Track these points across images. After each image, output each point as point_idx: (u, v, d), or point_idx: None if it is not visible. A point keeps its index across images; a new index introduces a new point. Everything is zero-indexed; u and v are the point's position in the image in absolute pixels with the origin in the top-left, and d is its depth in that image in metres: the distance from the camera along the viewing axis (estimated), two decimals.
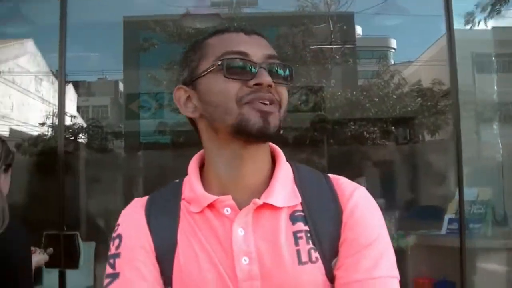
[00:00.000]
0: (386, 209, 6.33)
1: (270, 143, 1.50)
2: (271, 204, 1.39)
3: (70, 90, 8.28)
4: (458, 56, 4.61)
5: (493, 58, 7.03)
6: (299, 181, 1.47)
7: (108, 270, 1.41)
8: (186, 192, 1.46)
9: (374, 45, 11.20)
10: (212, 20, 6.89)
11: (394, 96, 8.66)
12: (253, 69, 1.35)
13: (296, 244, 1.37)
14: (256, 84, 1.34)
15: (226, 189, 1.42)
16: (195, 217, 1.42)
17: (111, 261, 1.42)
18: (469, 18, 7.09)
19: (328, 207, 1.42)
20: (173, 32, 7.49)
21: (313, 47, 8.17)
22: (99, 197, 6.35)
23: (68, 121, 7.66)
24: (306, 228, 1.39)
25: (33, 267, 2.81)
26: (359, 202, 1.44)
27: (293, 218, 1.40)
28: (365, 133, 8.07)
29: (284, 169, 1.47)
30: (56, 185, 4.25)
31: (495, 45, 6.82)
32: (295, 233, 1.38)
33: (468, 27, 7.09)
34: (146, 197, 1.52)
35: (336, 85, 8.29)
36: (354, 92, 8.38)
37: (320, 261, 1.37)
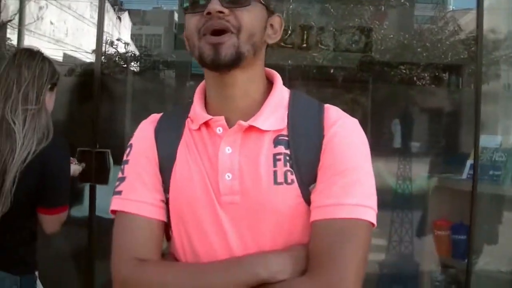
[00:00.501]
0: (418, 153, 6.49)
1: (269, 70, 1.63)
2: (257, 127, 1.51)
3: (125, 18, 8.46)
4: None
5: None
6: (292, 108, 1.56)
7: (119, 174, 1.61)
8: (191, 111, 1.61)
9: None
10: None
11: (448, 43, 8.58)
12: (207, 2, 1.45)
13: (274, 165, 1.47)
14: (208, 14, 1.45)
15: (221, 111, 1.54)
16: (194, 133, 1.57)
17: (122, 166, 1.62)
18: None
19: (312, 133, 1.50)
20: None
21: None
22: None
23: (121, 48, 7.87)
24: (287, 151, 1.48)
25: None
26: (340, 130, 1.50)
27: (276, 141, 1.50)
28: (414, 78, 8.08)
29: (277, 95, 1.57)
30: (93, 106, 4.45)
31: None
32: (274, 155, 1.48)
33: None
34: (160, 114, 1.69)
35: (389, 27, 8.23)
36: (407, 35, 8.36)
37: (296, 184, 1.46)
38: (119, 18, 8.45)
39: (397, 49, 8.21)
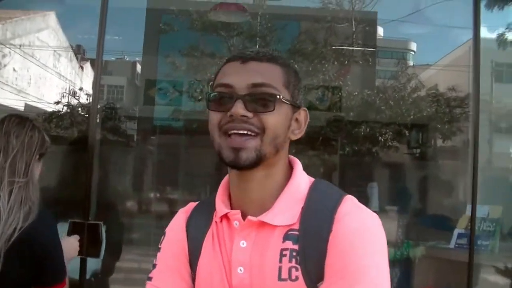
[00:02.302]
0: (394, 214, 6.49)
1: (292, 157, 1.62)
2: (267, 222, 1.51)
3: (87, 68, 8.47)
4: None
5: None
6: (308, 201, 1.52)
7: (154, 260, 1.67)
8: (216, 202, 1.63)
9: (394, 47, 11.31)
10: (237, 15, 7.04)
11: (410, 100, 8.83)
12: (230, 101, 1.45)
13: (280, 261, 1.45)
14: (231, 115, 1.45)
15: (239, 203, 1.56)
16: (218, 225, 1.59)
17: (157, 253, 1.67)
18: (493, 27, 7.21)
19: (322, 227, 1.46)
20: (195, 19, 7.66)
21: (335, 47, 8.31)
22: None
23: (84, 99, 7.86)
24: (295, 247, 1.46)
25: (70, 251, 3.02)
26: (346, 226, 1.44)
27: (286, 236, 1.48)
28: (377, 135, 8.25)
29: (294, 188, 1.55)
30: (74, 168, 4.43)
31: None
32: (281, 251, 1.46)
33: (491, 36, 7.17)
34: (197, 203, 1.72)
35: (353, 84, 8.42)
36: (369, 92, 8.56)
37: (301, 280, 1.43)
38: (82, 68, 8.46)
39: (361, 107, 8.38)
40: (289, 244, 1.47)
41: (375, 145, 8.11)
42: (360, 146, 8.05)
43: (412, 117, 8.46)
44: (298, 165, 1.60)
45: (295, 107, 1.54)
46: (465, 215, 4.93)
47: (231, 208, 1.58)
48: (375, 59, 8.88)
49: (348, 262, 1.39)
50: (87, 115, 7.74)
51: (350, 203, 1.50)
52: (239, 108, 1.43)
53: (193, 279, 1.60)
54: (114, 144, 7.18)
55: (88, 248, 3.92)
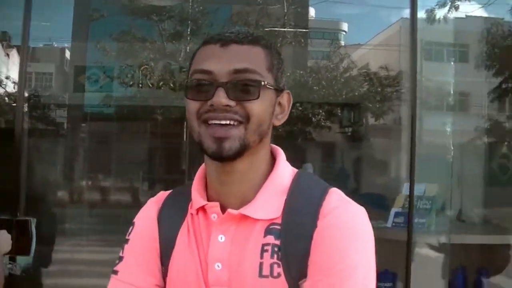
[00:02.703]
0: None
1: (274, 147, 1.54)
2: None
3: (14, 55, 8.26)
4: (406, 44, 4.76)
5: (445, 47, 7.32)
6: (291, 194, 1.45)
7: (120, 252, 1.56)
8: (192, 194, 1.53)
9: (326, 27, 11.41)
10: None
11: (342, 80, 8.95)
12: (210, 89, 1.36)
13: (261, 257, 1.38)
14: (212, 105, 1.36)
15: (219, 195, 1.47)
16: (194, 217, 1.49)
17: (123, 245, 1.56)
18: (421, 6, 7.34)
19: (305, 222, 1.39)
20: (126, 3, 7.58)
21: (267, 28, 8.33)
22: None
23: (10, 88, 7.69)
24: (277, 242, 1.39)
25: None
26: (332, 222, 1.38)
27: (267, 231, 1.41)
28: (310, 116, 8.36)
29: (276, 180, 1.47)
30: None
31: (454, 35, 7.09)
32: (263, 246, 1.39)
33: (420, 15, 7.29)
34: (168, 192, 1.62)
35: (285, 65, 8.47)
36: (302, 73, 8.65)
37: (283, 277, 1.37)
38: (8, 55, 8.25)
39: (294, 88, 8.45)
40: (270, 239, 1.40)
41: (308, 125, 8.20)
42: (293, 127, 8.12)
43: (344, 96, 8.58)
44: (281, 155, 1.53)
45: (279, 91, 1.46)
46: (401, 194, 4.98)
47: (208, 200, 1.49)
48: (307, 40, 8.95)
49: (335, 260, 1.34)
50: (14, 104, 7.60)
51: (335, 197, 1.44)
52: (221, 97, 1.35)
53: (164, 275, 1.51)
54: (43, 133, 7.08)
55: (17, 246, 3.82)
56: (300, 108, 8.30)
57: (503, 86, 8.20)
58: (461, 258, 4.96)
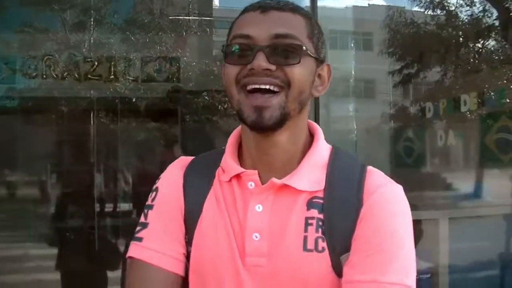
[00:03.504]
0: None
1: (311, 122, 1.54)
2: (291, 186, 1.42)
3: None
4: None
5: (349, 35, 7.47)
6: (331, 168, 1.45)
7: (141, 218, 1.53)
8: (223, 160, 1.51)
9: (230, 17, 11.50)
10: None
11: None
12: (250, 53, 1.35)
13: (305, 230, 1.38)
14: (252, 69, 1.35)
15: (255, 164, 1.46)
16: (224, 185, 1.48)
17: (145, 210, 1.53)
18: None
19: (350, 198, 1.40)
20: None
21: (171, 17, 8.38)
22: None
23: None
24: (320, 216, 1.39)
25: None
26: (380, 200, 1.39)
27: (310, 204, 1.40)
28: (217, 104, 8.46)
29: (317, 153, 1.47)
30: None
31: (355, 24, 7.27)
32: (306, 219, 1.39)
33: (324, 3, 7.48)
34: (191, 158, 1.60)
35: (191, 54, 8.55)
36: (207, 62, 8.72)
37: (327, 252, 1.37)
38: None
39: (200, 77, 8.53)
40: (314, 213, 1.40)
41: (215, 114, 8.30)
42: (201, 115, 8.21)
43: None
44: (319, 131, 1.53)
45: (319, 61, 1.46)
46: None
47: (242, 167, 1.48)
48: (212, 29, 9.04)
49: (385, 236, 1.35)
50: None
51: (377, 175, 1.47)
52: (261, 61, 1.33)
53: (188, 243, 1.49)
54: None
55: None
56: (206, 97, 8.40)
57: (405, 72, 8.59)
58: None
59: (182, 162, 1.59)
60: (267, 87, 1.35)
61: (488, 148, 5.87)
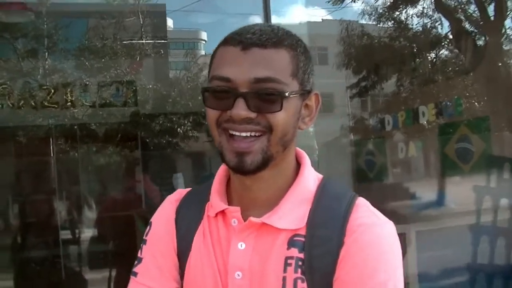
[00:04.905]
0: None
1: (298, 150, 1.51)
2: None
3: None
4: None
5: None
6: (316, 203, 1.42)
7: (139, 253, 1.55)
8: (211, 196, 1.50)
9: (186, 37, 11.59)
10: (20, 15, 6.90)
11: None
12: (230, 98, 1.30)
13: (284, 270, 1.35)
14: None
15: (240, 200, 1.45)
16: (211, 220, 1.47)
17: (142, 245, 1.55)
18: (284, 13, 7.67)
19: (332, 236, 1.36)
20: None
21: (125, 41, 8.42)
22: None
23: None
24: (300, 255, 1.35)
25: None
26: (360, 239, 1.34)
27: (291, 242, 1.37)
28: (176, 127, 8.51)
29: (301, 188, 1.44)
30: None
31: (310, 39, 7.42)
32: (286, 259, 1.36)
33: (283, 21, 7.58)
34: (187, 190, 1.60)
35: (147, 78, 8.58)
36: (163, 84, 8.78)
37: None
38: None
39: (157, 100, 8.56)
40: (294, 252, 1.36)
41: (175, 136, 8.34)
42: (160, 138, 8.24)
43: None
44: (306, 160, 1.49)
45: (306, 92, 1.41)
46: None
47: (228, 203, 1.47)
48: (167, 51, 9.08)
49: (363, 279, 1.31)
50: None
51: (362, 211, 1.41)
52: (240, 110, 1.29)
53: (181, 276, 1.49)
54: None
55: None
56: (164, 121, 8.44)
57: (362, 84, 8.75)
58: None
59: (177, 196, 1.60)
60: (248, 134, 1.32)
61: (449, 158, 5.97)
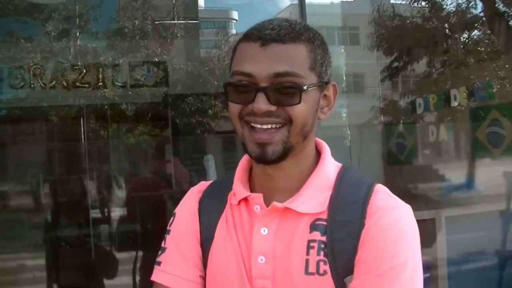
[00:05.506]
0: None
1: (318, 141, 1.56)
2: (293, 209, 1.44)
3: None
4: None
5: (335, 31, 7.42)
6: (336, 188, 1.46)
7: (162, 243, 1.60)
8: (233, 184, 1.55)
9: (217, 17, 11.59)
10: None
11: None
12: (251, 93, 1.36)
13: (307, 253, 1.39)
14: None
15: (262, 187, 1.50)
16: (234, 208, 1.52)
17: (165, 235, 1.60)
18: None
19: (352, 219, 1.40)
20: (7, 3, 7.50)
21: (156, 21, 8.46)
22: None
23: None
24: (323, 238, 1.40)
25: None
26: (379, 222, 1.39)
27: (313, 226, 1.42)
28: (207, 107, 8.56)
29: (322, 174, 1.49)
30: None
31: (340, 19, 7.31)
32: (309, 242, 1.40)
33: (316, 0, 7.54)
34: (209, 182, 1.66)
35: (178, 58, 8.60)
36: (195, 64, 8.82)
37: (329, 275, 1.38)
38: None
39: (188, 80, 8.60)
40: (316, 235, 1.41)
41: (205, 117, 8.38)
42: (191, 119, 8.30)
43: None
44: (326, 150, 1.54)
45: (324, 84, 1.46)
46: None
47: (251, 191, 1.52)
48: (198, 31, 9.10)
49: (383, 260, 1.35)
50: None
51: (381, 195, 1.45)
52: (261, 103, 1.35)
53: (204, 264, 1.54)
54: None
55: None
56: (195, 101, 8.49)
57: (393, 65, 8.70)
58: None
59: (200, 187, 1.65)
60: (269, 126, 1.38)
61: (480, 142, 5.94)
